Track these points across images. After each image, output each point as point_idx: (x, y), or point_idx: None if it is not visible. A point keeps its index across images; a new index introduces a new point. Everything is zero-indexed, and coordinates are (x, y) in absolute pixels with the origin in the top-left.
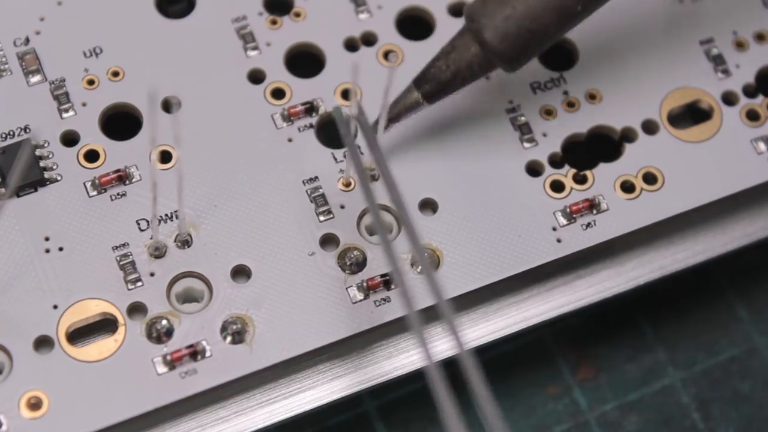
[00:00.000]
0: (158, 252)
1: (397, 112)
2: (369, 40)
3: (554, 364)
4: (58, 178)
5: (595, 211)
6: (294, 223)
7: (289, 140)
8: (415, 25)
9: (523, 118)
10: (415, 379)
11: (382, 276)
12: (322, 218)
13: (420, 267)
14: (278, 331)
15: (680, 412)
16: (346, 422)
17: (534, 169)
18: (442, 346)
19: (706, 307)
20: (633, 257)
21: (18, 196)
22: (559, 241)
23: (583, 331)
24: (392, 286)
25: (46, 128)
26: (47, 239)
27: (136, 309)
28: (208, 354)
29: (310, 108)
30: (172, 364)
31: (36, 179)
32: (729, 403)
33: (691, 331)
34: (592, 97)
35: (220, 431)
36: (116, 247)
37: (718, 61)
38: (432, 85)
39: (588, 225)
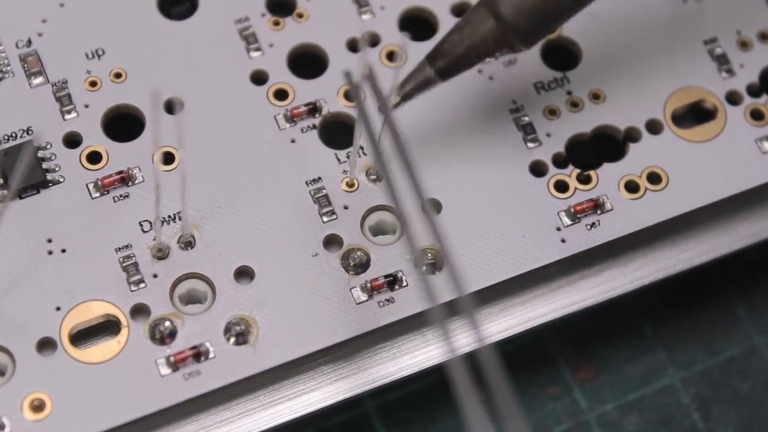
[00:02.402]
0: (161, 253)
1: (409, 90)
2: (372, 41)
3: (554, 365)
4: (61, 179)
5: (599, 211)
6: (297, 224)
7: (292, 141)
8: (418, 26)
9: (526, 118)
10: (416, 379)
11: (386, 277)
12: (325, 219)
13: (424, 267)
14: (282, 332)
15: (680, 412)
16: (346, 422)
17: (538, 169)
18: (452, 343)
19: (706, 307)
20: (637, 257)
21: (20, 197)
22: (563, 241)
23: (583, 331)
24: (396, 287)
25: (49, 130)
26: (50, 241)
27: (139, 310)
28: (211, 355)
29: (313, 109)
30: (175, 365)
31: (38, 181)
32: (729, 403)
33: (691, 331)
34: (595, 96)
35: None
36: (119, 249)
37: (722, 60)
38: (445, 60)
39: (592, 225)
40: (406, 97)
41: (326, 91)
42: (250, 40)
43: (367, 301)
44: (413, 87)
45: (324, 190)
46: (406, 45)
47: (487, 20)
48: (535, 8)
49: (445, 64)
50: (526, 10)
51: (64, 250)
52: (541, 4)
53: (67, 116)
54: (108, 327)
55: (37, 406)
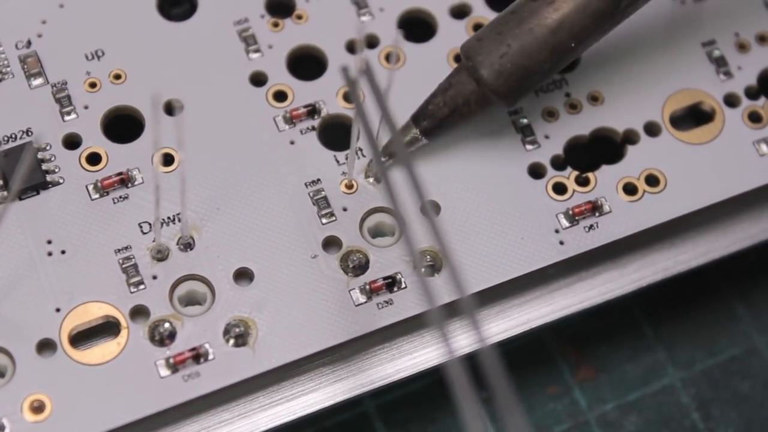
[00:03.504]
0: (161, 255)
1: (395, 149)
2: (371, 42)
3: (554, 364)
4: (61, 181)
5: (597, 213)
6: (296, 226)
7: (291, 143)
8: (417, 27)
9: (525, 120)
10: (415, 379)
11: (385, 278)
12: (324, 221)
13: (423, 269)
14: (281, 333)
15: (680, 412)
16: (345, 422)
17: (536, 171)
18: (450, 345)
19: (705, 306)
20: (635, 259)
21: (20, 199)
22: (561, 243)
23: (583, 331)
24: (395, 289)
25: (48, 131)
26: (49, 242)
27: (138, 312)
28: (210, 357)
29: (312, 110)
30: (174, 367)
31: (38, 182)
32: (729, 403)
33: (691, 331)
34: (594, 99)
35: None
36: (119, 250)
37: (720, 62)
38: (430, 122)
39: (590, 227)
40: (392, 155)
41: (325, 93)
42: (249, 41)
43: (366, 302)
44: (399, 146)
45: (323, 192)
46: (399, 42)
47: (468, 84)
48: (515, 72)
49: (429, 125)
50: (506, 74)
51: (63, 252)
52: (520, 68)
53: (67, 117)
54: (108, 328)
55: (37, 408)
